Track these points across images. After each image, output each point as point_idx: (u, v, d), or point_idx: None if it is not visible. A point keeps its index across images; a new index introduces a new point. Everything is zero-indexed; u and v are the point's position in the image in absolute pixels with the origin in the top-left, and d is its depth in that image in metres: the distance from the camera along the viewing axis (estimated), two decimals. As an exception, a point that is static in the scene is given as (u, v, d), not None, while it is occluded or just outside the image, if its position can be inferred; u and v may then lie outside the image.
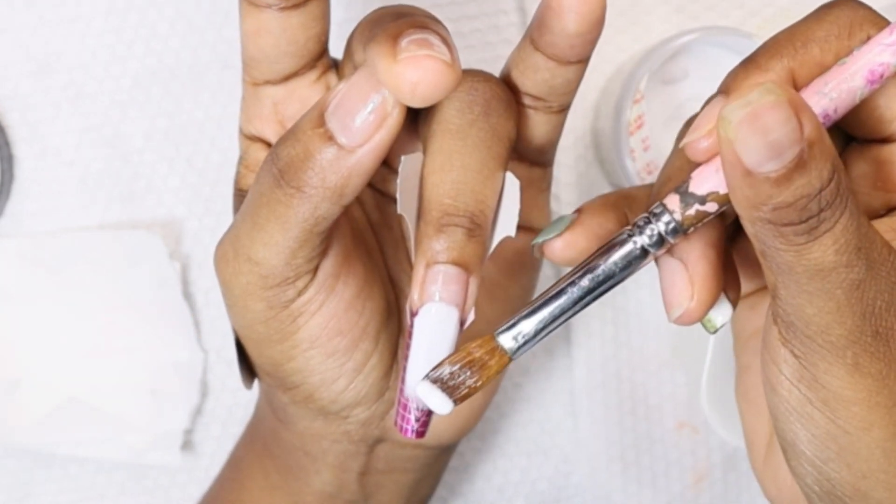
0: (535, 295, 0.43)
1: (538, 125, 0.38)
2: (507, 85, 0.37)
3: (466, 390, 0.34)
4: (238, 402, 0.55)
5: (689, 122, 0.36)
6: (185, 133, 0.54)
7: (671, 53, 0.51)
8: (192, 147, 0.54)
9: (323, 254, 0.36)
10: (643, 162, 0.52)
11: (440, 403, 0.33)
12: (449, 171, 0.34)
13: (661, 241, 0.33)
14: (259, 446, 0.45)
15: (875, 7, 0.34)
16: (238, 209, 0.39)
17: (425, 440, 0.42)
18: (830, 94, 0.32)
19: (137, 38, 0.53)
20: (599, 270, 0.34)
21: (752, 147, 0.28)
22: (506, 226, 0.36)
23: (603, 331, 0.56)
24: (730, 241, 0.36)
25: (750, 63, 0.33)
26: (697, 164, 0.33)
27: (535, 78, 0.37)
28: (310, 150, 0.34)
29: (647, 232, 0.33)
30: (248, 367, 0.42)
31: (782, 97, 0.28)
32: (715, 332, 0.36)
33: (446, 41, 0.34)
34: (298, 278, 0.36)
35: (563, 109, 0.38)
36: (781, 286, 0.31)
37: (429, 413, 0.35)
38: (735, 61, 0.35)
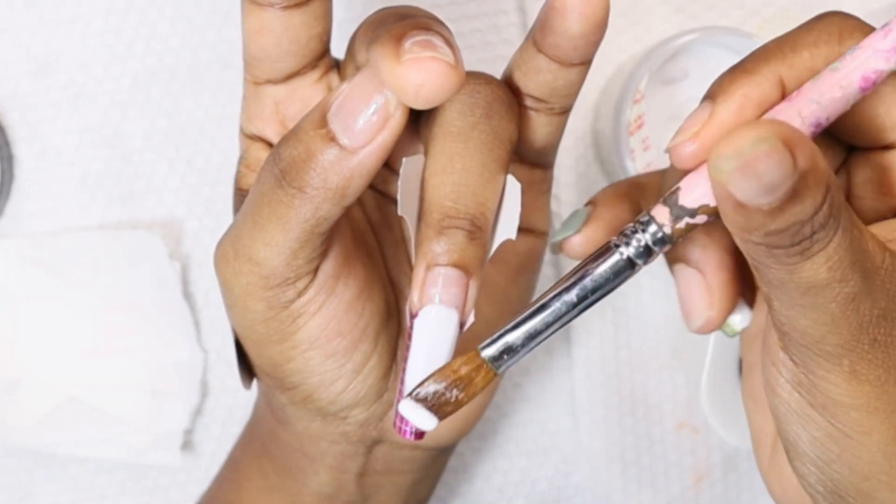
0: (535, 297, 0.44)
1: (540, 127, 0.38)
2: (508, 87, 0.37)
3: (451, 407, 0.34)
4: (238, 402, 0.55)
5: None
6: (185, 133, 0.54)
7: (671, 53, 0.51)
8: (192, 147, 0.54)
9: (323, 255, 0.36)
10: (643, 162, 0.52)
11: (424, 420, 0.34)
12: (450, 174, 0.34)
13: (648, 252, 0.33)
14: (257, 447, 0.45)
15: (874, 7, 0.34)
16: (238, 209, 0.39)
17: (423, 441, 0.42)
18: (822, 102, 0.32)
19: (137, 38, 0.53)
20: (586, 282, 0.33)
21: (745, 188, 0.28)
22: (506, 228, 0.36)
23: (603, 331, 0.56)
24: None
25: (738, 69, 0.33)
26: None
27: (538, 80, 0.36)
28: (312, 151, 0.34)
29: (634, 243, 0.33)
30: (247, 368, 0.42)
31: (776, 143, 0.28)
32: (734, 335, 0.36)
33: (450, 43, 0.34)
34: (299, 279, 0.36)
35: (565, 111, 0.38)
36: (775, 298, 0.31)
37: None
38: (735, 61, 0.35)
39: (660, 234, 0.33)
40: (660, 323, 0.57)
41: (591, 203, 0.37)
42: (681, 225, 0.32)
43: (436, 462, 0.45)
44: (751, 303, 0.36)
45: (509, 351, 0.34)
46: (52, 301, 0.52)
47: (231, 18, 0.54)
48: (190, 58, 0.53)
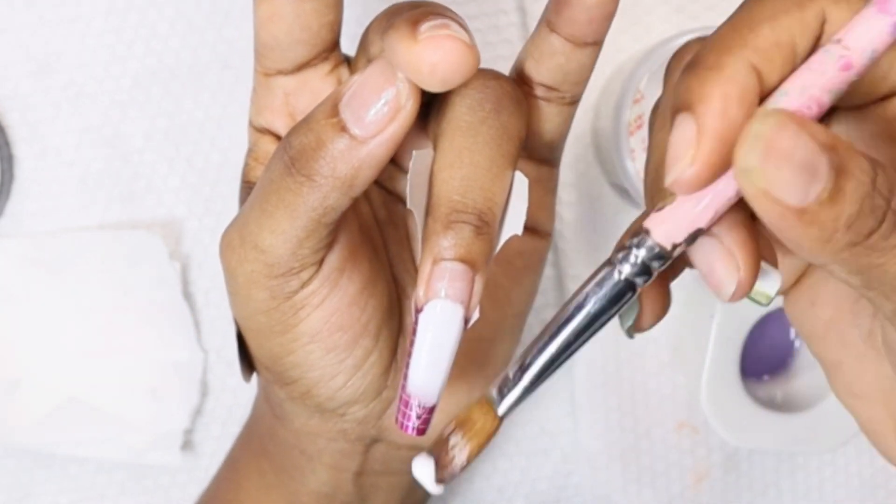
0: (535, 297, 0.44)
1: (550, 117, 0.38)
2: (519, 78, 0.38)
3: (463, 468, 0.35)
4: (238, 402, 0.55)
5: (655, 108, 0.35)
6: (185, 133, 0.54)
7: (671, 53, 0.51)
8: (192, 147, 0.54)
9: (329, 247, 0.36)
10: (643, 162, 0.52)
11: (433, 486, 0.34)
12: (459, 168, 0.34)
13: (646, 270, 0.32)
14: (256, 445, 0.45)
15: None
16: (244, 201, 0.39)
17: (422, 441, 0.42)
18: (829, 88, 0.30)
19: (137, 38, 0.53)
20: (586, 314, 0.33)
21: (788, 180, 0.27)
22: (513, 224, 0.36)
23: (603, 331, 0.56)
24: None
25: (701, 67, 0.30)
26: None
27: (551, 63, 0.37)
28: (322, 140, 0.34)
29: (630, 265, 0.32)
30: (247, 362, 0.42)
31: (779, 116, 0.27)
32: (769, 303, 0.34)
33: (465, 28, 0.34)
34: (303, 269, 0.36)
35: (575, 101, 0.38)
36: None
37: (430, 410, 0.35)
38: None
39: (656, 249, 0.32)
40: (660, 323, 0.57)
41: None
42: (674, 250, 0.31)
43: None
44: (774, 263, 0.34)
45: (515, 400, 0.35)
46: (52, 301, 0.52)
47: (231, 18, 0.54)
48: (190, 58, 0.53)
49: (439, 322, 0.34)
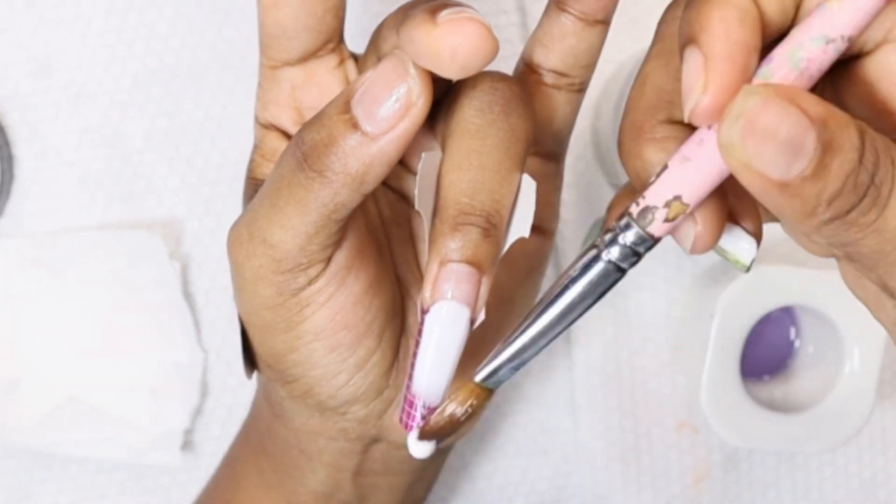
0: (537, 296, 0.44)
1: (559, 106, 0.38)
2: (527, 68, 0.38)
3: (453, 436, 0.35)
4: (238, 402, 0.55)
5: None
6: (185, 133, 0.54)
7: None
8: (192, 147, 0.54)
9: (337, 244, 0.36)
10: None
11: (426, 450, 0.35)
12: (467, 170, 0.34)
13: (634, 254, 0.32)
14: (255, 444, 0.45)
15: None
16: (249, 198, 0.39)
17: None
18: (834, 42, 0.29)
19: (137, 38, 0.53)
20: (573, 296, 0.33)
21: (770, 156, 0.27)
22: (520, 227, 0.36)
23: (603, 331, 0.56)
24: None
25: (695, 2, 0.30)
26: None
27: (561, 46, 0.37)
28: (334, 136, 0.34)
29: (617, 250, 0.32)
30: (250, 359, 0.41)
31: (767, 93, 0.27)
32: (747, 270, 0.34)
33: (481, 17, 0.34)
34: (311, 266, 0.36)
35: (583, 89, 0.39)
36: (889, 278, 0.29)
37: (434, 410, 0.35)
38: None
39: (642, 236, 0.32)
40: (660, 323, 0.57)
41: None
42: (655, 226, 0.31)
43: (433, 464, 0.45)
44: (756, 234, 0.34)
45: (508, 369, 0.34)
46: (52, 301, 0.52)
47: (231, 18, 0.54)
48: (190, 58, 0.53)
49: (445, 323, 0.34)
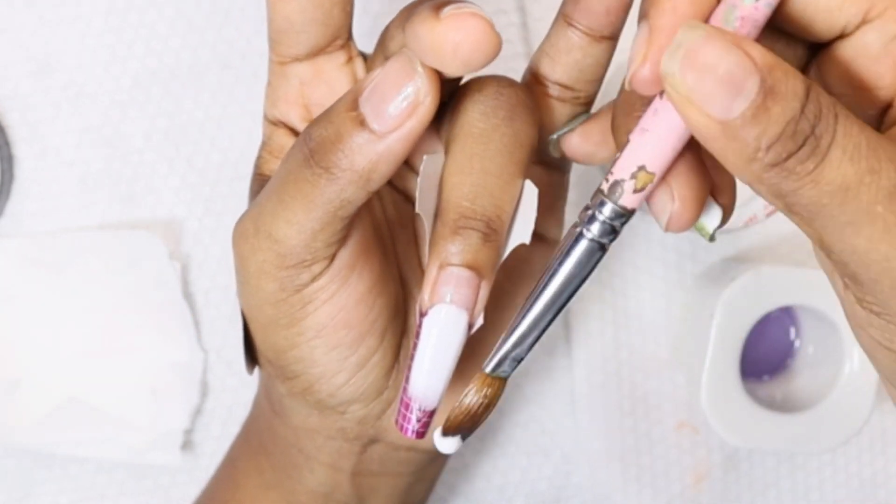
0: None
1: (563, 118, 0.38)
2: (533, 79, 0.38)
3: (476, 427, 0.35)
4: (238, 402, 0.55)
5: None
6: (185, 133, 0.54)
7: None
8: (192, 147, 0.54)
9: (342, 242, 0.36)
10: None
11: (449, 445, 0.35)
12: (469, 174, 0.34)
13: (612, 230, 0.33)
14: (255, 443, 0.45)
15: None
16: (256, 194, 0.39)
17: (420, 444, 0.42)
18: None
19: (137, 38, 0.53)
20: (562, 278, 0.33)
21: (710, 91, 0.27)
22: (521, 233, 0.36)
23: (603, 331, 0.56)
24: None
25: None
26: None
27: (567, 60, 0.37)
28: (341, 133, 0.34)
29: (597, 226, 0.33)
30: (251, 355, 0.42)
31: (710, 30, 0.27)
32: (711, 239, 0.34)
33: (483, 13, 0.34)
34: (315, 262, 0.36)
35: (588, 103, 0.39)
36: (825, 233, 0.29)
37: (430, 414, 0.35)
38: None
39: (616, 210, 0.32)
40: (660, 323, 0.57)
41: (597, 111, 0.38)
42: (626, 198, 0.32)
43: (431, 465, 0.45)
44: (726, 207, 0.34)
45: (512, 359, 0.34)
46: (52, 301, 0.52)
47: (231, 18, 0.54)
48: (190, 58, 0.53)
49: (443, 327, 0.34)
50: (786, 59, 0.33)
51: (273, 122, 0.40)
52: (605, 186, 0.32)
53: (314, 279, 0.37)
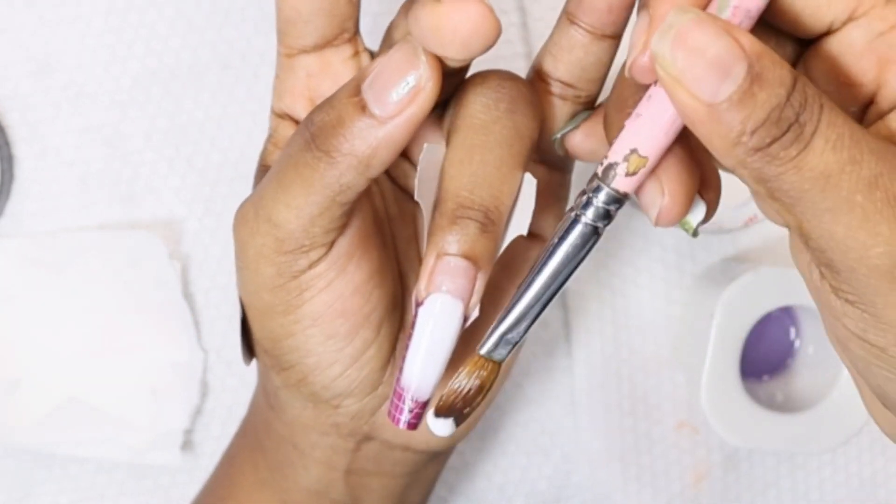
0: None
1: (564, 117, 0.39)
2: (536, 76, 0.38)
3: (470, 410, 0.35)
4: (238, 402, 0.55)
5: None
6: (185, 133, 0.54)
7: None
8: (192, 147, 0.54)
9: (340, 230, 0.37)
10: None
11: (444, 427, 0.35)
12: (468, 165, 0.35)
13: (606, 214, 0.33)
14: (251, 439, 0.45)
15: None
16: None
17: (414, 443, 0.42)
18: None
19: (137, 38, 0.53)
20: (557, 261, 0.34)
21: (698, 73, 0.28)
22: (518, 225, 0.36)
23: (603, 331, 0.56)
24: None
25: None
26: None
27: (569, 58, 0.37)
28: (343, 118, 0.34)
29: (592, 210, 0.33)
30: (249, 346, 0.42)
31: (701, 15, 0.28)
32: (694, 234, 0.35)
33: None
34: (313, 248, 0.36)
35: (590, 102, 0.39)
36: (804, 219, 0.30)
37: (423, 406, 0.35)
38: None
39: (610, 195, 0.33)
40: (660, 323, 0.57)
41: (597, 107, 0.38)
42: (618, 181, 0.32)
43: (427, 467, 0.45)
44: (710, 203, 0.35)
45: (506, 341, 0.34)
46: (52, 301, 0.52)
47: (231, 18, 0.54)
48: (190, 58, 0.53)
49: (438, 317, 0.34)
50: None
51: (279, 115, 0.40)
52: (599, 170, 0.33)
53: (312, 266, 0.37)
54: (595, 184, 0.33)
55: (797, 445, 0.55)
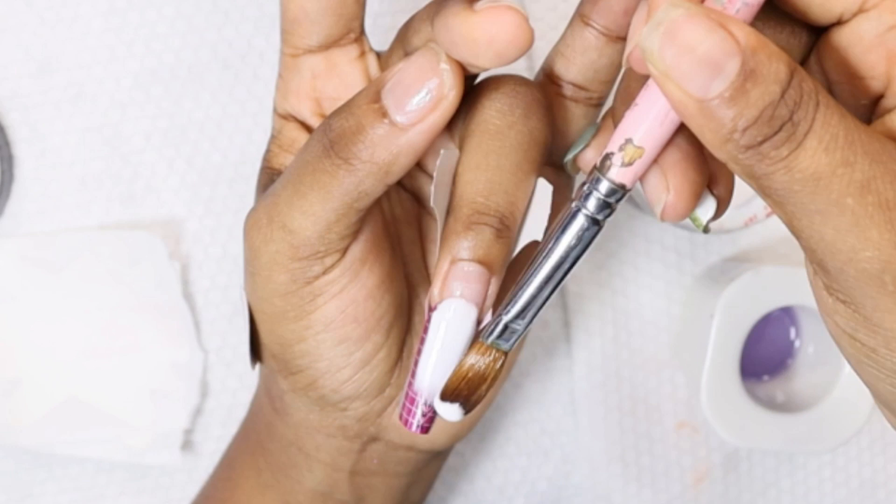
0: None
1: (576, 119, 0.39)
2: (547, 79, 0.38)
3: (476, 397, 0.35)
4: (238, 402, 0.55)
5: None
6: (185, 133, 0.54)
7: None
8: (192, 147, 0.54)
9: (354, 236, 0.37)
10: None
11: (453, 413, 0.35)
12: (484, 170, 0.35)
13: (607, 206, 0.33)
14: (253, 443, 0.45)
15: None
16: (264, 187, 0.40)
17: (418, 444, 0.42)
18: None
19: (137, 38, 0.53)
20: (559, 253, 0.33)
21: (688, 70, 0.27)
22: (532, 230, 0.36)
23: (603, 331, 0.56)
24: None
25: None
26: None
27: (583, 60, 0.37)
28: (362, 124, 0.34)
29: (593, 201, 0.33)
30: (255, 351, 0.42)
31: (692, 9, 0.27)
32: (705, 230, 0.34)
33: (518, 7, 0.34)
34: (328, 255, 0.36)
35: (600, 104, 0.39)
36: (794, 219, 0.29)
37: (435, 410, 0.35)
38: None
39: (610, 186, 0.32)
40: (660, 323, 0.57)
41: (602, 119, 0.38)
42: (615, 172, 0.32)
43: (429, 466, 0.45)
44: (722, 198, 0.34)
45: (511, 331, 0.34)
46: (52, 301, 0.52)
47: (231, 18, 0.54)
48: (190, 58, 0.53)
49: (452, 321, 0.34)
50: (790, 46, 0.33)
51: (283, 116, 0.40)
52: (598, 161, 0.33)
53: (326, 272, 0.37)
54: (595, 175, 0.33)
55: (797, 445, 0.55)
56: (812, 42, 0.34)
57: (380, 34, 0.40)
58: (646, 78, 0.32)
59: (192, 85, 0.54)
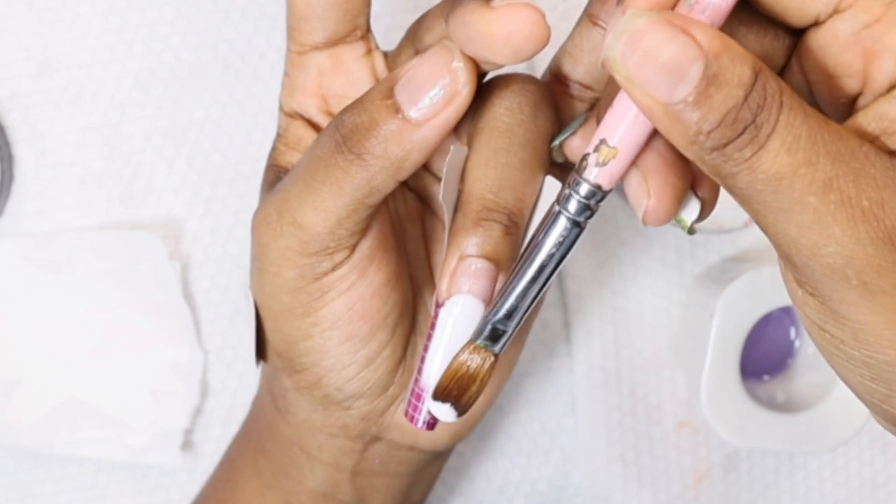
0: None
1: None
2: (554, 78, 0.38)
3: (469, 399, 0.35)
4: (238, 402, 0.55)
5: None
6: (185, 133, 0.54)
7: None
8: (192, 147, 0.54)
9: (363, 232, 0.37)
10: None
11: (447, 414, 0.35)
12: (493, 167, 0.35)
13: (587, 208, 0.33)
14: (254, 443, 0.45)
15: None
16: (270, 185, 0.40)
17: (420, 444, 0.42)
18: None
19: (137, 38, 0.53)
20: (543, 255, 0.33)
21: (651, 77, 0.28)
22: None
23: (603, 331, 0.56)
24: None
25: None
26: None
27: (590, 59, 0.37)
28: (375, 120, 0.34)
29: (574, 203, 0.33)
30: (260, 349, 0.41)
31: (654, 17, 0.28)
32: (690, 231, 0.34)
33: (534, 4, 0.34)
34: (337, 251, 0.36)
35: None
36: (760, 216, 0.30)
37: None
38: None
39: (589, 188, 0.32)
40: (660, 323, 0.57)
41: (590, 109, 0.38)
42: (591, 173, 0.32)
43: (430, 466, 0.45)
44: (706, 201, 0.34)
45: (499, 333, 0.34)
46: (52, 301, 0.52)
47: (231, 18, 0.54)
48: (190, 58, 0.53)
49: (459, 317, 0.34)
50: (773, 50, 0.33)
51: (289, 114, 0.40)
52: (577, 163, 0.33)
53: (334, 268, 0.37)
54: (574, 177, 0.33)
55: (797, 445, 0.55)
56: (794, 45, 0.34)
57: (380, 34, 0.40)
58: None
59: (192, 85, 0.54)
